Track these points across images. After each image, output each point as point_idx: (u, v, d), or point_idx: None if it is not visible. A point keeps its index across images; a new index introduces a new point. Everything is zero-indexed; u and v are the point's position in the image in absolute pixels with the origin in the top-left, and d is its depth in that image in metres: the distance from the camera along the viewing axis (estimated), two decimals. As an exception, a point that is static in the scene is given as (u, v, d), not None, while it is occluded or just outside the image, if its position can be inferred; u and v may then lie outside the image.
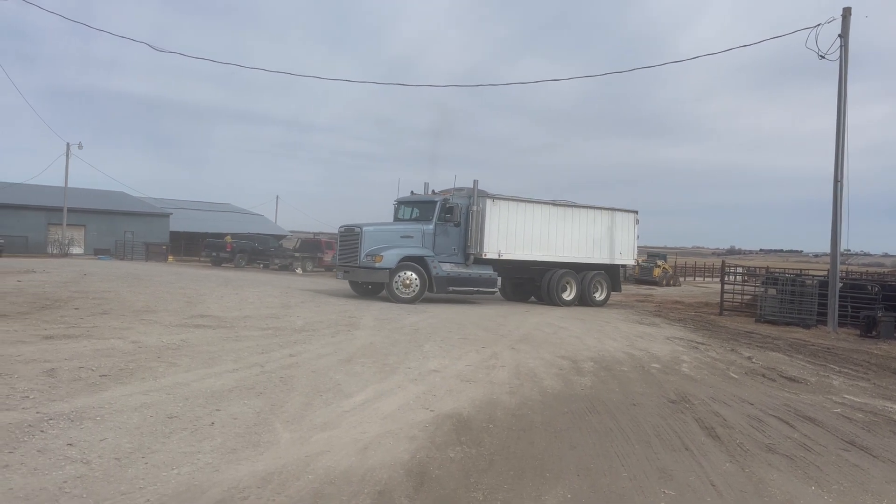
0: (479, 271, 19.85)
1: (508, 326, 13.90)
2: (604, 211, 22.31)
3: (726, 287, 22.67)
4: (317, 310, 14.66)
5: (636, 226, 22.99)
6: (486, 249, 19.83)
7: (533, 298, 22.23)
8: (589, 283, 21.50)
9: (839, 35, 17.39)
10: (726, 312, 21.15)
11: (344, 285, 21.08)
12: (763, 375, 9.87)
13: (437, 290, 19.31)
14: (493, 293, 20.84)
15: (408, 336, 11.41)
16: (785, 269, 32.07)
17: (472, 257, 19.78)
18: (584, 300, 21.42)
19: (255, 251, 42.58)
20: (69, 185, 50.47)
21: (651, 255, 47.51)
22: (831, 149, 17.93)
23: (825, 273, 20.44)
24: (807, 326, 17.90)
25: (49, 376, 6.65)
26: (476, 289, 19.94)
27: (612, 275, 22.58)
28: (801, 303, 18.79)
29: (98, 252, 50.42)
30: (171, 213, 60.61)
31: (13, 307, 11.76)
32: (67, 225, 50.35)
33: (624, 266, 23.88)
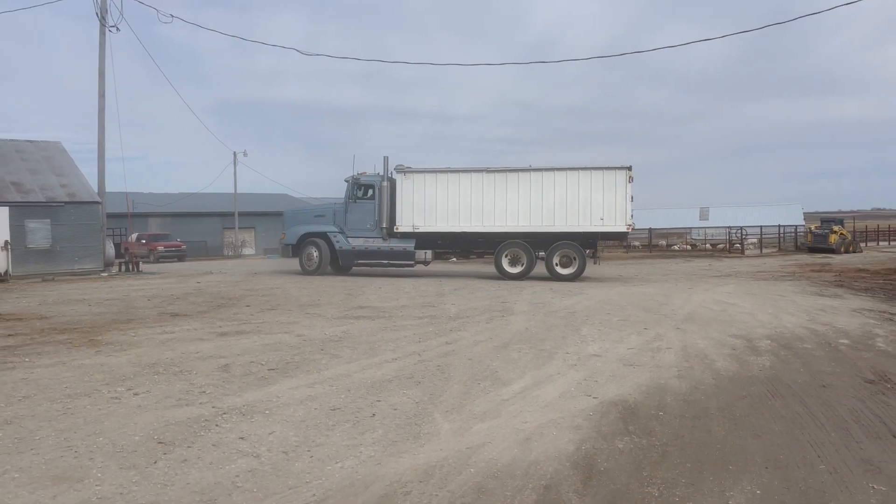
0: (394, 245, 20.28)
1: (671, 305, 13.16)
2: (571, 172, 19.30)
3: (921, 250, 20.15)
4: (470, 296, 14.67)
5: (629, 185, 19.00)
6: (398, 223, 20.21)
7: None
8: (551, 254, 19.24)
9: None
10: (922, 278, 18.84)
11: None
12: (979, 349, 8.58)
13: (342, 262, 20.76)
14: (412, 266, 20.68)
15: (563, 320, 11.08)
16: None
17: (385, 231, 20.34)
18: (547, 274, 19.33)
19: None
20: (238, 190, 54.35)
21: (825, 221, 43.63)
22: None
23: None
24: None
25: (223, 371, 7.02)
26: (388, 262, 20.50)
27: (589, 245, 19.82)
28: None
29: (267, 252, 53.96)
30: (330, 211, 63.63)
31: (193, 307, 12.69)
32: (239, 228, 54.28)
33: (625, 233, 19.91)
